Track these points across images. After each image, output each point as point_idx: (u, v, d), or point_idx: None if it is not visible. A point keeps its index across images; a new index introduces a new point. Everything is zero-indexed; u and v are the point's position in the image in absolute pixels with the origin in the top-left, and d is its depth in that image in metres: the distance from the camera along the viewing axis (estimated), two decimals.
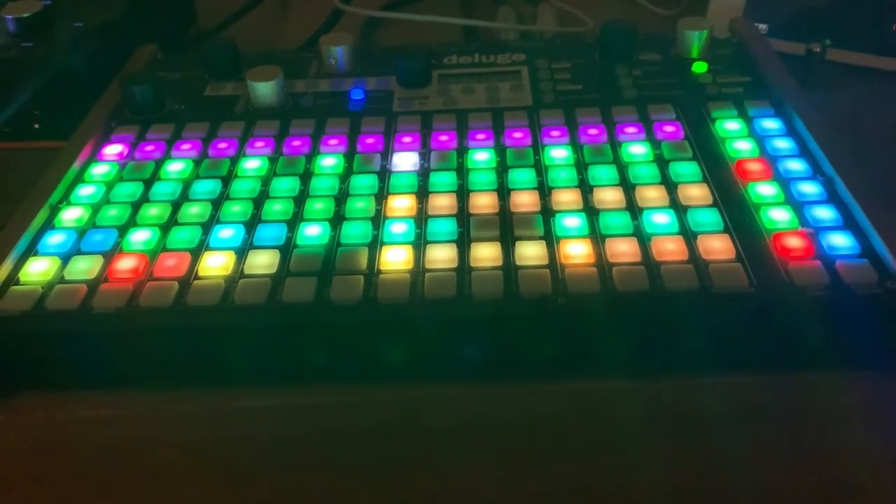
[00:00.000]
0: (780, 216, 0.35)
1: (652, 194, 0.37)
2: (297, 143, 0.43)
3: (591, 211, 0.37)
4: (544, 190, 0.38)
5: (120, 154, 0.43)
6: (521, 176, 0.39)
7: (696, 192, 0.37)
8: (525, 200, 0.37)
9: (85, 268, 0.35)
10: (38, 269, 0.35)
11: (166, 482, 0.36)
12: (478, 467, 0.36)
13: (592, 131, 0.42)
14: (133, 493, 0.36)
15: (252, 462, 0.35)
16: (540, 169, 0.40)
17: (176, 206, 0.39)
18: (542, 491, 0.37)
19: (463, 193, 0.38)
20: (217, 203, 0.39)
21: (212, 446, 0.35)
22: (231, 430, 0.34)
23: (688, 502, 0.38)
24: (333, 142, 0.43)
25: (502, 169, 0.40)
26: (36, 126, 0.53)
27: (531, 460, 0.36)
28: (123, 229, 0.37)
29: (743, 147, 0.40)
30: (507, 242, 0.35)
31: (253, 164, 0.41)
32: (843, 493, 0.37)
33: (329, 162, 0.41)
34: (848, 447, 0.35)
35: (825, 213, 0.35)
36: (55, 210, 0.39)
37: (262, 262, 0.35)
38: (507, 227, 0.36)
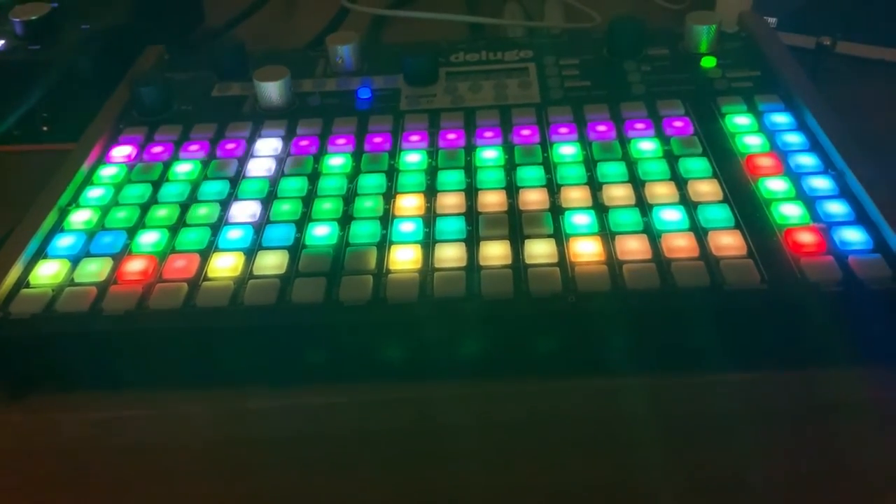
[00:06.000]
0: (791, 211, 0.35)
1: (662, 191, 0.37)
2: (304, 142, 0.43)
3: (600, 208, 0.36)
4: (553, 187, 0.38)
5: (128, 156, 0.43)
6: (530, 173, 0.39)
7: (706, 188, 0.37)
8: (534, 198, 0.37)
9: (94, 270, 0.35)
10: (47, 272, 0.35)
11: (177, 483, 0.36)
12: (488, 466, 0.36)
13: (601, 128, 0.42)
14: (143, 494, 0.36)
15: (263, 463, 0.35)
16: (548, 166, 0.39)
17: (184, 207, 0.39)
18: (554, 489, 0.37)
19: (471, 192, 0.38)
20: (225, 204, 0.39)
21: (222, 447, 0.35)
22: (241, 431, 0.34)
23: (700, 500, 0.37)
24: (341, 141, 0.43)
25: (511, 167, 0.40)
26: (44, 128, 0.53)
27: (542, 458, 0.36)
28: (132, 231, 0.37)
29: (753, 142, 0.40)
30: (517, 241, 0.35)
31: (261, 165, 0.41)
32: (858, 489, 0.36)
33: (337, 161, 0.41)
34: (863, 444, 0.34)
35: (837, 208, 0.35)
36: (64, 212, 0.39)
37: (271, 262, 0.34)
38: (516, 226, 0.36)
